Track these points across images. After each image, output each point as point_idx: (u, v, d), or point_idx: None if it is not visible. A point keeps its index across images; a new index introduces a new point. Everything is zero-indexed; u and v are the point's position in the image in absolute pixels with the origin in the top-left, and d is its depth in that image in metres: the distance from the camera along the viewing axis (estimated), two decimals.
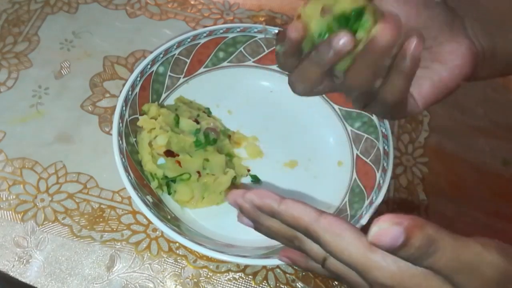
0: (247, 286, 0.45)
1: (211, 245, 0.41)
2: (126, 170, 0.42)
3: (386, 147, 0.46)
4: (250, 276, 0.45)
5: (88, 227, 0.46)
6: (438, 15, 0.31)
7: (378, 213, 0.48)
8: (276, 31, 0.52)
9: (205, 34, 0.51)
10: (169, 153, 0.47)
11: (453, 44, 0.31)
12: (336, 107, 0.52)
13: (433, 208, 0.50)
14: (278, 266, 0.46)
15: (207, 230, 0.46)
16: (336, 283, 0.45)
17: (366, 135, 0.49)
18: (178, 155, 0.47)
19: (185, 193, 0.45)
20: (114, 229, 0.46)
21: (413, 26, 0.30)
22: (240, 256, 0.40)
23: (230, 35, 0.52)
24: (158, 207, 0.43)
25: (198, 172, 0.46)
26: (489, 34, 0.32)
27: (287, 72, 0.33)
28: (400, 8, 0.30)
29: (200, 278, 0.45)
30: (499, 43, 0.32)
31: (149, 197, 0.43)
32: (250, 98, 0.54)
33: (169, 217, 0.43)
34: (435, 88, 0.32)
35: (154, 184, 0.45)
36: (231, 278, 0.45)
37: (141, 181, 0.44)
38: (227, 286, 0.44)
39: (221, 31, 0.52)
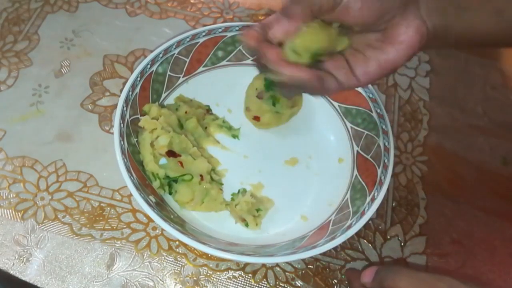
0: (247, 284, 0.45)
1: (215, 244, 0.41)
2: (128, 171, 0.42)
3: (386, 144, 0.46)
4: (249, 275, 0.45)
5: (88, 226, 0.46)
6: (393, 1, 0.33)
7: (377, 212, 0.48)
8: None
9: (204, 33, 0.51)
10: (171, 153, 0.47)
11: (403, 27, 0.34)
12: (335, 104, 0.52)
13: (433, 206, 0.50)
14: (277, 265, 0.46)
15: (209, 229, 0.46)
16: (335, 281, 0.45)
17: (366, 132, 0.49)
18: (180, 156, 0.47)
19: (185, 194, 0.46)
20: (114, 228, 0.46)
21: (370, 13, 0.34)
22: (244, 255, 0.40)
23: (229, 34, 0.52)
24: (160, 206, 0.43)
25: (201, 176, 0.46)
26: (443, 13, 0.34)
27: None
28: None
29: (200, 277, 0.45)
30: (452, 21, 0.34)
31: (151, 197, 0.43)
32: None
33: (172, 216, 0.43)
34: (381, 68, 0.35)
35: (156, 184, 0.45)
36: (231, 277, 0.45)
37: (143, 181, 0.44)
38: (227, 284, 0.45)
39: (220, 30, 0.52)
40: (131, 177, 0.42)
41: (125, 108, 0.46)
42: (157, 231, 0.46)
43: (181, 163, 0.47)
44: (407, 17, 0.34)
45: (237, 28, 0.52)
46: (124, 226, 0.46)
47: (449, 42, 0.36)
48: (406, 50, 0.35)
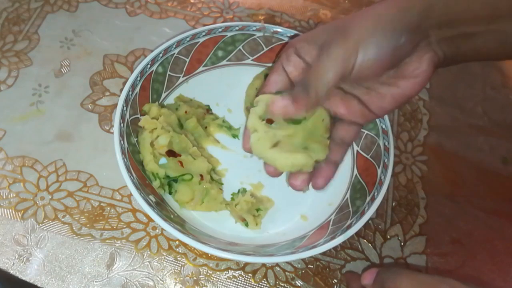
0: (247, 284, 0.45)
1: (215, 243, 0.41)
2: (128, 170, 0.42)
3: (386, 143, 0.46)
4: (249, 274, 0.45)
5: (88, 225, 0.46)
6: (405, 45, 0.34)
7: (377, 212, 0.48)
8: (275, 29, 0.52)
9: (204, 33, 0.51)
10: (171, 153, 0.47)
11: (416, 63, 0.34)
12: None
13: (432, 206, 0.50)
14: (277, 264, 0.46)
15: (209, 229, 0.46)
16: (335, 281, 0.45)
17: (366, 132, 0.49)
18: (180, 155, 0.47)
19: (185, 194, 0.46)
20: (114, 227, 0.46)
21: (383, 68, 0.35)
22: (244, 254, 0.40)
23: (229, 34, 0.52)
24: (160, 206, 0.43)
25: (201, 176, 0.46)
26: (451, 42, 0.34)
27: None
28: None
29: (200, 276, 0.45)
30: (459, 48, 0.35)
31: (151, 197, 0.43)
32: None
33: (172, 216, 0.43)
34: (396, 101, 0.36)
35: (156, 184, 0.45)
36: (231, 276, 0.45)
37: (143, 181, 0.44)
38: (227, 284, 0.45)
39: (220, 29, 0.52)
40: (131, 177, 0.42)
41: (125, 108, 0.46)
42: (157, 230, 0.46)
43: (181, 162, 0.47)
44: (419, 53, 0.34)
45: (237, 28, 0.52)
46: (124, 226, 0.46)
47: (456, 63, 0.36)
48: (421, 83, 0.35)
